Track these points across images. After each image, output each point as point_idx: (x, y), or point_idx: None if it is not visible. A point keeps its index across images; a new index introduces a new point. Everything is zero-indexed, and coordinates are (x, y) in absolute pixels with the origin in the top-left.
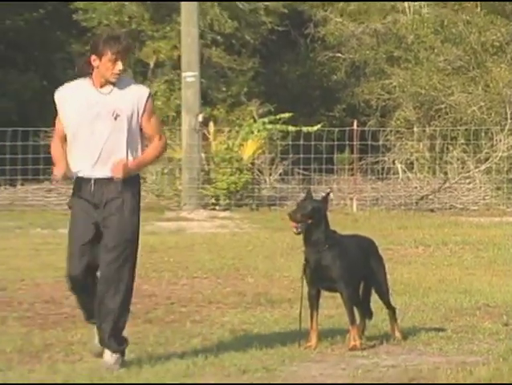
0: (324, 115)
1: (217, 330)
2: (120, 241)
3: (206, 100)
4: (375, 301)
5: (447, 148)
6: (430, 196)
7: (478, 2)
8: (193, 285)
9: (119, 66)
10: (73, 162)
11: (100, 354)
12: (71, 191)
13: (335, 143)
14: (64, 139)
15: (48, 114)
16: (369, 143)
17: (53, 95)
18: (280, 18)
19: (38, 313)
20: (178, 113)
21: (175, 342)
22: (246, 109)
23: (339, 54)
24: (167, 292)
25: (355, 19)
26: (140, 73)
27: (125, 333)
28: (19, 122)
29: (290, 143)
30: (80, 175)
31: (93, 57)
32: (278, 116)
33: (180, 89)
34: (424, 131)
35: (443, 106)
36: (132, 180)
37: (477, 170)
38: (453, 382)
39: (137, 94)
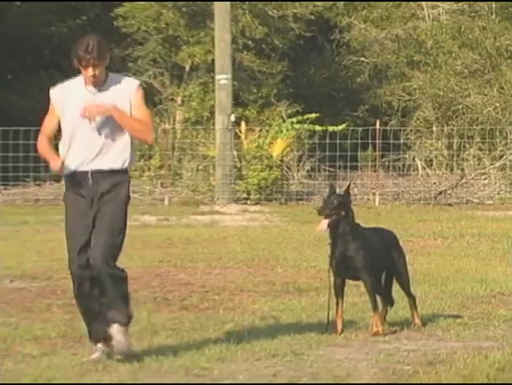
0: (349, 115)
1: (248, 317)
2: (113, 228)
3: (238, 101)
4: (396, 289)
5: (464, 146)
6: (448, 191)
7: (494, 9)
8: (226, 274)
9: (90, 72)
10: (71, 158)
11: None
12: (66, 186)
13: (359, 141)
14: (51, 136)
15: None
16: (391, 141)
17: None
18: (307, 25)
19: None
20: (212, 113)
21: (209, 327)
22: (276, 110)
23: (363, 59)
24: (201, 281)
25: (378, 25)
26: (176, 76)
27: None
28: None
29: (317, 141)
30: (78, 169)
31: (75, 62)
32: (305, 116)
33: (213, 91)
34: (443, 130)
35: (460, 107)
36: (124, 175)
37: (492, 167)
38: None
39: (128, 87)
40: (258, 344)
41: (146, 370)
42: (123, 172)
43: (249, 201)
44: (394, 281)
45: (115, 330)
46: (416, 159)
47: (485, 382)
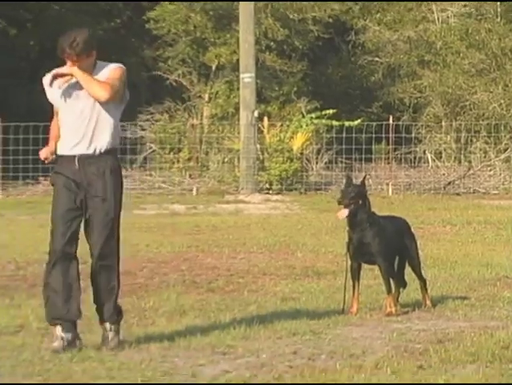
0: (363, 111)
1: (270, 299)
2: (106, 219)
3: (261, 98)
4: (408, 273)
5: (471, 140)
6: (456, 182)
7: (499, 12)
8: (250, 259)
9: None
10: (60, 141)
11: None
12: (55, 168)
13: (373, 135)
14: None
15: (124, 110)
16: (403, 135)
17: (128, 95)
18: (325, 27)
19: None
20: (237, 110)
21: (234, 308)
22: (296, 106)
23: (377, 58)
24: (227, 265)
25: (391, 28)
26: (203, 75)
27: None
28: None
29: (334, 135)
30: (64, 153)
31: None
32: (323, 112)
33: (238, 89)
34: (451, 125)
35: (467, 103)
36: (110, 158)
37: (497, 159)
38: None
39: (107, 70)
40: (280, 324)
41: (175, 348)
42: (110, 155)
43: (271, 191)
44: (406, 265)
45: (106, 327)
46: (426, 152)
47: (490, 359)
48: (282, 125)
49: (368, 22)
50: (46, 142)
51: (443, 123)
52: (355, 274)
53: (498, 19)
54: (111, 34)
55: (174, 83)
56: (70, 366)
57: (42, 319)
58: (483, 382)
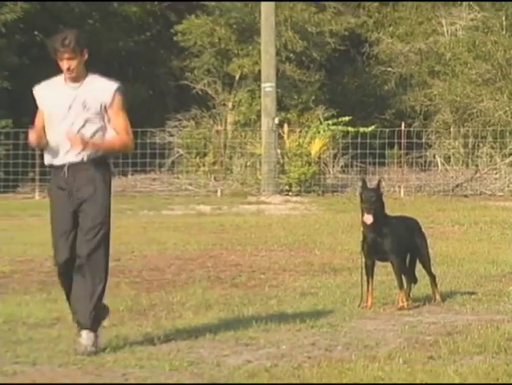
0: (377, 118)
1: (290, 293)
2: (95, 224)
3: (281, 106)
4: (418, 269)
5: (478, 145)
6: (464, 184)
7: (504, 26)
8: (271, 256)
9: (65, 65)
10: (50, 150)
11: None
12: (51, 180)
13: (386, 141)
14: (42, 133)
15: (153, 117)
16: (414, 141)
17: (157, 103)
18: (341, 39)
19: (145, 278)
20: (258, 117)
21: (256, 302)
22: (314, 113)
23: (390, 69)
24: (249, 262)
25: (403, 40)
26: (227, 84)
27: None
28: (129, 123)
29: (350, 141)
30: (55, 163)
31: (52, 54)
32: (339, 119)
33: (260, 97)
34: (459, 131)
35: (474, 110)
36: (101, 166)
37: (502, 163)
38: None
39: (104, 87)
40: (299, 317)
41: (201, 339)
42: (101, 164)
43: (290, 193)
44: (417, 262)
45: (83, 333)
46: (436, 156)
47: (496, 350)
48: (300, 131)
49: (382, 35)
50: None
51: (452, 130)
52: (370, 271)
53: (504, 32)
54: (142, 47)
55: (200, 92)
56: (102, 356)
57: None
58: (489, 371)
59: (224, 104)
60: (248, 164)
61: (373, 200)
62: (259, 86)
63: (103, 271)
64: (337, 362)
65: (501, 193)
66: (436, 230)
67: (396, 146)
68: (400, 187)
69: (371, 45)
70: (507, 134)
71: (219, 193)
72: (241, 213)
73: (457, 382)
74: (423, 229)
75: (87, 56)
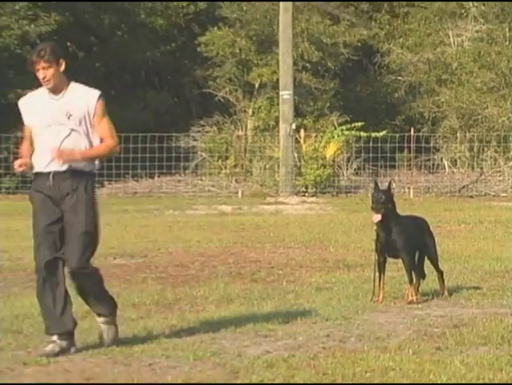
0: (388, 123)
1: (306, 288)
2: (77, 233)
3: (298, 112)
4: (427, 265)
5: (482, 149)
6: (469, 186)
7: (508, 37)
8: (288, 253)
9: (41, 75)
10: (35, 159)
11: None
12: (32, 185)
13: (397, 145)
14: (31, 140)
15: (178, 123)
16: (423, 145)
17: (182, 110)
18: (354, 50)
19: (171, 274)
20: (277, 122)
21: (274, 296)
22: (329, 119)
23: (400, 77)
24: (268, 258)
25: (412, 50)
26: (247, 92)
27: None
28: (156, 129)
29: (362, 145)
30: (40, 170)
31: (29, 67)
32: (352, 125)
33: (278, 104)
34: (465, 136)
35: (479, 117)
36: (84, 177)
37: (506, 166)
38: (488, 328)
39: (87, 97)
40: (314, 310)
41: (223, 331)
42: (85, 175)
43: (307, 194)
44: (425, 259)
45: (100, 321)
46: (443, 159)
47: (500, 341)
48: (316, 136)
49: (392, 46)
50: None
51: (458, 135)
52: (381, 267)
53: (507, 43)
54: (168, 57)
55: (222, 99)
56: (131, 346)
57: None
58: (494, 361)
59: (244, 111)
60: (267, 166)
61: (382, 201)
62: (277, 93)
63: (97, 271)
64: (350, 353)
65: (504, 194)
66: (443, 229)
67: (405, 150)
68: (409, 188)
69: (383, 55)
70: (510, 138)
71: (240, 194)
72: (261, 213)
73: (463, 372)
74: (431, 228)
75: (64, 66)
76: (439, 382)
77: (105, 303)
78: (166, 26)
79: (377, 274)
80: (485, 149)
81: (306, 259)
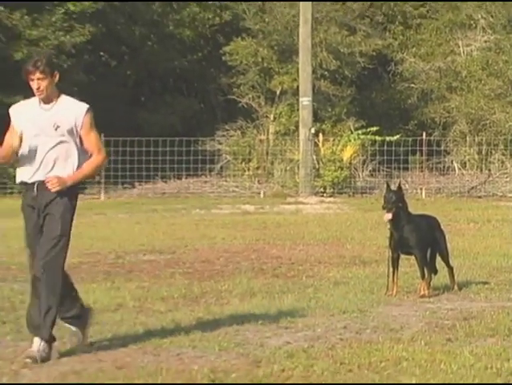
0: (401, 128)
1: (324, 283)
2: (52, 236)
3: (317, 118)
4: (438, 261)
5: (490, 152)
6: (478, 187)
7: None
8: (307, 250)
9: (35, 85)
10: (22, 169)
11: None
12: (22, 197)
13: (410, 148)
14: (8, 149)
15: (204, 127)
16: (434, 148)
17: (207, 115)
18: (370, 59)
19: (197, 269)
20: (297, 127)
21: (294, 291)
22: (346, 124)
23: (412, 85)
24: (289, 255)
25: (424, 59)
26: (269, 98)
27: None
28: (183, 133)
29: (377, 148)
30: (25, 180)
31: (24, 77)
32: (368, 129)
33: (298, 110)
34: (474, 140)
35: (487, 122)
36: (68, 190)
37: None
38: (496, 320)
39: (75, 109)
40: (332, 303)
41: (246, 323)
42: (69, 187)
43: (325, 194)
44: (437, 255)
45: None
46: (453, 162)
47: (507, 333)
48: (334, 140)
49: (405, 55)
50: (139, 154)
51: (467, 138)
52: (395, 263)
53: None
54: (195, 65)
55: (245, 105)
56: (160, 338)
57: (137, 299)
58: (501, 352)
59: (266, 116)
60: (287, 168)
61: (393, 201)
62: (297, 100)
63: (57, 286)
64: (366, 344)
65: (511, 194)
66: (453, 227)
67: (418, 153)
68: (421, 189)
69: (396, 64)
70: None
71: (262, 195)
72: (282, 212)
73: (472, 361)
74: (442, 226)
75: (57, 78)
76: (449, 371)
77: (46, 324)
78: (193, 37)
79: (391, 270)
80: (493, 152)
81: (324, 255)
